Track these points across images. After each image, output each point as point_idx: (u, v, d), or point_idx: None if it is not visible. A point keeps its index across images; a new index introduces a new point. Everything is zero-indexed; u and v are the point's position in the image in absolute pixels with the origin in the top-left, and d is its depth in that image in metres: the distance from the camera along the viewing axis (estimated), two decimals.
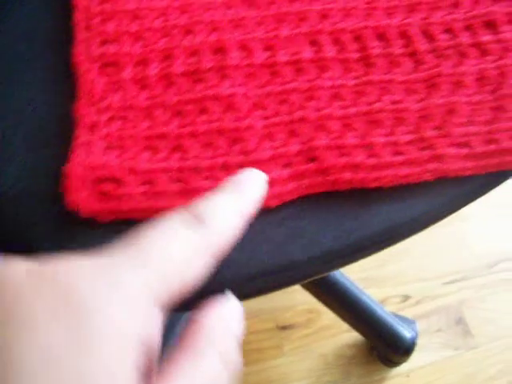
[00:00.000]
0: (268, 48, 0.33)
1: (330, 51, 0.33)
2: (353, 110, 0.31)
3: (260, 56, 0.32)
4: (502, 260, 1.03)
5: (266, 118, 0.30)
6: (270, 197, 0.28)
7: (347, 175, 0.29)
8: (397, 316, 0.84)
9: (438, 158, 0.30)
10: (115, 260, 0.20)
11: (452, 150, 0.30)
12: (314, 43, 0.33)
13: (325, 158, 0.29)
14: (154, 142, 0.29)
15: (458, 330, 0.95)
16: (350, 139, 0.30)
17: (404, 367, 0.87)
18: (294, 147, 0.29)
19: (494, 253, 1.04)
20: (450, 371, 0.91)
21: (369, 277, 0.96)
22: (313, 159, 0.29)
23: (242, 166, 0.29)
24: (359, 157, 0.29)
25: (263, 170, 0.28)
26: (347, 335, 0.87)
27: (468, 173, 0.30)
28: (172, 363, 0.20)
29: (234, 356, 0.21)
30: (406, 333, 0.81)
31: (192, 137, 0.29)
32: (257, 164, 0.29)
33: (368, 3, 0.36)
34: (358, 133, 0.30)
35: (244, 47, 0.33)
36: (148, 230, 0.21)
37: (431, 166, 0.30)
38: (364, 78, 0.32)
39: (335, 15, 0.35)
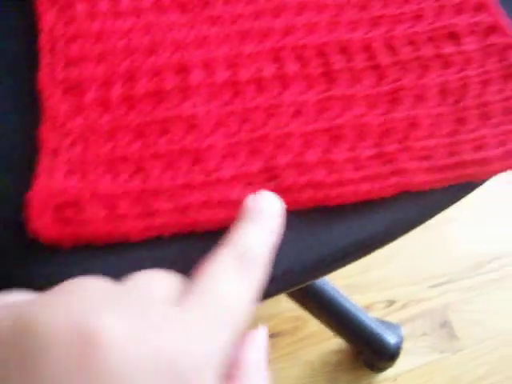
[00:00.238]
0: (230, 66, 0.33)
1: (292, 67, 0.33)
2: (314, 127, 0.31)
3: (222, 74, 0.33)
4: (487, 261, 1.03)
5: (228, 136, 0.30)
6: (231, 218, 0.28)
7: (308, 193, 0.29)
8: (381, 322, 0.84)
9: (399, 172, 0.30)
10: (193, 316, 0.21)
11: (413, 164, 0.30)
12: (276, 60, 0.34)
13: (286, 176, 0.29)
14: (116, 164, 0.29)
15: (443, 333, 0.95)
16: (311, 156, 0.30)
17: (391, 372, 0.87)
18: (256, 166, 0.30)
19: (478, 254, 1.04)
20: (437, 374, 0.91)
21: (353, 283, 0.96)
22: (274, 178, 0.29)
23: (203, 186, 0.29)
24: (320, 174, 0.29)
25: (224, 190, 0.29)
26: (333, 342, 0.87)
27: (430, 186, 0.31)
28: None
29: None
30: (391, 338, 0.81)
31: (153, 158, 0.29)
32: (218, 184, 0.29)
33: (331, 18, 0.36)
34: (320, 149, 0.30)
35: (206, 66, 0.33)
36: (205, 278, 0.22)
37: (392, 180, 0.30)
38: (326, 94, 0.32)
39: (298, 31, 0.35)
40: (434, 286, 1.00)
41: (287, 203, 0.29)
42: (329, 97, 0.32)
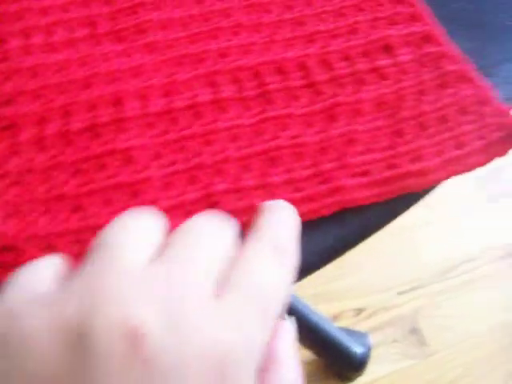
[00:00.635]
0: (166, 94, 0.33)
1: (228, 91, 0.33)
2: (251, 150, 0.31)
3: (157, 104, 0.33)
4: (455, 265, 1.04)
5: (164, 167, 0.30)
6: None
7: (247, 218, 0.29)
8: (348, 331, 0.84)
9: (337, 190, 0.30)
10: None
11: (352, 181, 0.31)
12: (212, 84, 0.34)
13: (225, 202, 0.29)
14: (53, 204, 0.29)
15: (413, 339, 0.96)
16: (249, 180, 0.30)
17: (363, 380, 0.88)
18: (194, 194, 0.30)
19: (446, 259, 1.05)
20: (410, 381, 0.92)
21: (322, 292, 0.97)
22: (214, 204, 0.30)
23: None
24: (257, 198, 0.29)
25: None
26: (304, 353, 0.87)
27: (370, 201, 0.31)
28: None
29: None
30: (357, 348, 0.81)
31: (91, 195, 0.29)
32: None
33: (266, 37, 0.36)
34: (257, 173, 0.31)
35: (141, 96, 0.33)
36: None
37: (332, 199, 0.30)
38: (262, 116, 0.33)
39: (233, 53, 0.35)
40: (402, 293, 1.01)
41: None
42: (264, 119, 0.32)
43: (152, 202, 0.29)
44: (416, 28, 0.37)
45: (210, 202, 0.30)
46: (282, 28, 0.37)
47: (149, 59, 0.35)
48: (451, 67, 0.35)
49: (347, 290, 0.99)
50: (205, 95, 0.33)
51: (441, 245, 1.06)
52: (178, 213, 0.29)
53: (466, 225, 1.10)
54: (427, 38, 0.36)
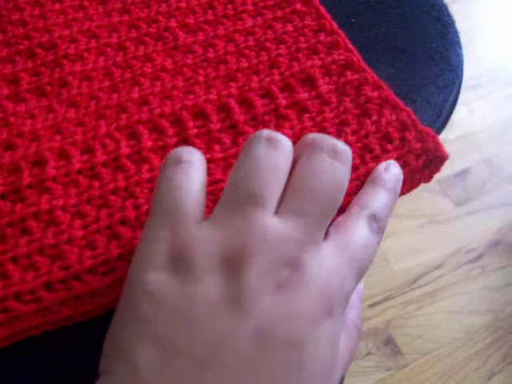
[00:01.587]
0: (87, 150, 0.33)
1: (148, 141, 0.33)
2: None
3: (78, 161, 0.33)
4: (424, 273, 1.05)
5: (86, 226, 0.30)
6: (95, 308, 0.28)
7: None
8: None
9: None
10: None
11: None
12: (133, 135, 0.34)
13: None
14: None
15: (388, 350, 0.96)
16: None
17: None
18: (116, 251, 0.30)
19: (415, 267, 1.06)
20: None
21: None
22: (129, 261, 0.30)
23: (64, 282, 0.29)
24: None
25: (84, 283, 0.29)
26: None
27: None
28: None
29: None
30: None
31: (13, 261, 0.29)
32: (78, 277, 0.29)
33: (188, 80, 0.36)
34: None
35: (63, 154, 0.33)
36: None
37: None
38: None
39: (154, 100, 0.35)
40: (373, 305, 1.01)
41: None
42: None
43: (73, 265, 0.29)
44: (336, 56, 0.37)
45: (129, 259, 0.30)
46: (205, 68, 0.37)
47: (72, 113, 0.35)
48: (373, 94, 0.35)
49: None
50: (126, 147, 0.33)
51: (409, 254, 1.07)
52: (97, 273, 0.29)
53: (433, 231, 1.10)
54: (348, 66, 0.36)
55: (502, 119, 1.30)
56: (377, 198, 0.29)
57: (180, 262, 0.24)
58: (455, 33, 0.40)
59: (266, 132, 0.27)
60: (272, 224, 0.24)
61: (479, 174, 1.20)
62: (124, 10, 0.40)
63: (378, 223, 0.28)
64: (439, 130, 0.37)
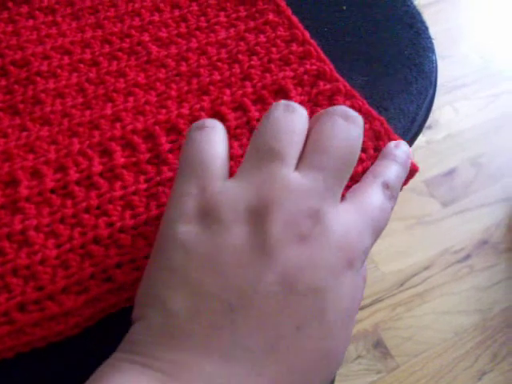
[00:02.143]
0: (60, 169, 0.33)
1: (121, 158, 0.33)
2: (143, 217, 0.31)
3: (51, 180, 0.32)
4: (413, 275, 1.05)
5: (59, 245, 0.30)
6: (69, 327, 0.28)
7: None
8: None
9: None
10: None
11: None
12: (105, 152, 0.34)
13: (118, 275, 0.29)
14: None
15: (377, 353, 0.96)
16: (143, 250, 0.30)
17: None
18: (89, 270, 0.30)
19: (403, 269, 1.06)
20: None
21: None
22: (109, 279, 0.30)
23: (38, 302, 0.29)
24: None
25: (59, 302, 0.29)
26: None
27: None
28: None
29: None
30: None
31: None
32: (52, 298, 0.29)
33: (161, 95, 0.36)
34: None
35: (36, 173, 0.33)
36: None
37: None
38: (157, 178, 0.33)
39: (127, 116, 0.35)
40: (362, 308, 1.01)
41: (121, 302, 0.29)
42: (159, 181, 0.32)
43: (47, 285, 0.29)
44: (309, 66, 0.37)
45: (105, 276, 0.30)
46: (178, 82, 0.37)
47: (45, 131, 0.35)
48: (345, 103, 0.35)
49: None
50: (98, 165, 0.33)
51: (397, 256, 1.07)
52: (71, 293, 0.29)
53: (421, 232, 1.11)
54: (320, 76, 0.37)
55: (487, 118, 1.30)
56: (389, 169, 0.31)
57: (208, 215, 0.26)
58: (428, 39, 0.40)
59: (283, 101, 0.29)
60: (293, 177, 0.26)
61: (465, 174, 1.20)
62: (97, 25, 0.40)
63: (390, 191, 0.29)
64: (413, 137, 0.37)
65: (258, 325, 0.24)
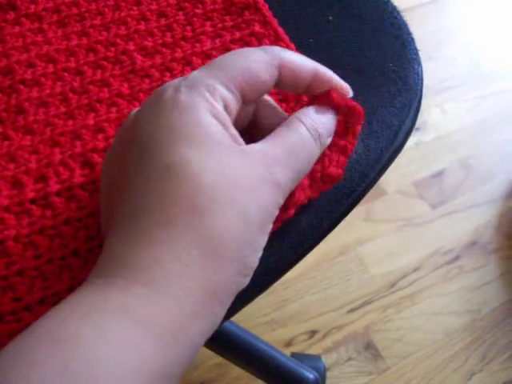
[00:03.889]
0: (40, 179, 0.33)
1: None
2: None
3: (32, 190, 0.32)
4: (402, 276, 1.05)
5: (38, 256, 0.30)
6: None
7: None
8: (301, 356, 0.85)
9: None
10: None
11: None
12: (87, 163, 0.34)
13: None
14: None
15: (368, 355, 0.97)
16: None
17: None
18: (66, 283, 0.30)
19: (393, 271, 1.06)
20: None
21: (273, 319, 0.97)
22: None
23: (14, 313, 0.29)
24: None
25: (35, 314, 0.29)
26: (260, 382, 0.88)
27: None
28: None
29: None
30: (308, 373, 0.81)
31: None
32: (28, 309, 0.29)
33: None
34: None
35: (16, 183, 0.33)
36: None
37: None
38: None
39: (109, 127, 0.35)
40: (352, 310, 1.02)
41: None
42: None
43: (24, 296, 0.29)
44: None
45: None
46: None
47: (28, 140, 0.35)
48: None
49: (298, 313, 0.99)
50: (81, 176, 0.33)
51: (387, 258, 1.08)
52: (52, 300, 0.29)
53: (410, 234, 1.11)
54: None
55: (475, 120, 1.31)
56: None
57: None
58: (414, 50, 0.40)
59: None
60: None
61: (454, 176, 1.21)
62: (83, 33, 0.40)
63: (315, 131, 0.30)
64: (397, 149, 0.37)
65: None
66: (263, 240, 0.27)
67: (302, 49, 0.38)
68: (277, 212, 0.27)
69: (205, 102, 0.26)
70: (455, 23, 1.51)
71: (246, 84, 0.28)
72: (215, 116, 0.27)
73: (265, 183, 0.26)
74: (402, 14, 0.43)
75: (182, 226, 0.24)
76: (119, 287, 0.23)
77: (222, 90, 0.27)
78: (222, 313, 0.26)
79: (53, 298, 0.29)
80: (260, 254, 0.27)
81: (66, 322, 0.22)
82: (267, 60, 0.29)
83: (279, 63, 0.29)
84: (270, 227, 0.27)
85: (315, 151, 0.30)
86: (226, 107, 0.27)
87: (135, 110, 0.29)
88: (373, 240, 1.08)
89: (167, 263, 0.23)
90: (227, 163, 0.25)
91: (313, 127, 0.30)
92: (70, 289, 0.29)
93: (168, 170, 0.25)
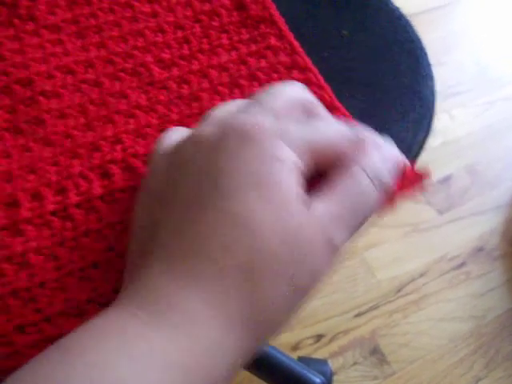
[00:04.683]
0: (60, 191, 0.34)
1: (120, 181, 0.34)
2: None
3: (52, 202, 0.33)
4: (409, 281, 1.06)
5: (59, 268, 0.31)
6: None
7: None
8: (308, 360, 0.85)
9: None
10: None
11: None
12: (106, 175, 0.34)
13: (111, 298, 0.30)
14: None
15: (374, 359, 0.97)
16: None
17: None
18: (85, 294, 0.30)
19: (400, 276, 1.06)
20: None
21: None
22: (106, 304, 0.30)
23: (35, 325, 0.29)
24: None
25: (55, 325, 0.29)
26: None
27: None
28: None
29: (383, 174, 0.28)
30: (315, 377, 0.81)
31: None
32: (50, 321, 0.29)
33: (163, 117, 0.37)
34: None
35: (36, 195, 0.33)
36: None
37: None
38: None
39: (127, 139, 0.36)
40: (359, 315, 1.02)
41: None
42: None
43: (45, 308, 0.30)
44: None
45: (104, 301, 0.30)
46: (179, 105, 0.38)
47: (48, 152, 0.35)
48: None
49: (305, 317, 0.99)
50: (100, 187, 0.34)
51: (393, 263, 1.08)
52: (69, 316, 0.30)
53: (416, 239, 1.11)
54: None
55: (483, 125, 1.31)
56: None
57: None
58: (427, 65, 0.41)
59: None
60: None
61: (461, 181, 1.21)
62: (101, 45, 0.41)
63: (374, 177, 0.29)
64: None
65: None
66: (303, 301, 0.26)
67: (317, 62, 0.39)
68: (327, 272, 0.27)
69: (293, 166, 0.26)
70: (463, 28, 1.51)
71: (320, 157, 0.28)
72: (299, 184, 0.26)
73: (323, 249, 0.25)
74: (410, 19, 0.43)
75: (234, 285, 0.23)
76: (165, 336, 0.23)
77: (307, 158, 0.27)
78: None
79: (73, 309, 0.30)
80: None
81: (98, 350, 0.22)
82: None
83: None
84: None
85: (376, 204, 0.28)
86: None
87: (203, 127, 0.28)
88: (379, 245, 1.09)
89: (214, 318, 0.23)
90: (292, 226, 0.24)
91: (376, 176, 0.28)
92: (90, 300, 0.30)
93: (235, 219, 0.24)
